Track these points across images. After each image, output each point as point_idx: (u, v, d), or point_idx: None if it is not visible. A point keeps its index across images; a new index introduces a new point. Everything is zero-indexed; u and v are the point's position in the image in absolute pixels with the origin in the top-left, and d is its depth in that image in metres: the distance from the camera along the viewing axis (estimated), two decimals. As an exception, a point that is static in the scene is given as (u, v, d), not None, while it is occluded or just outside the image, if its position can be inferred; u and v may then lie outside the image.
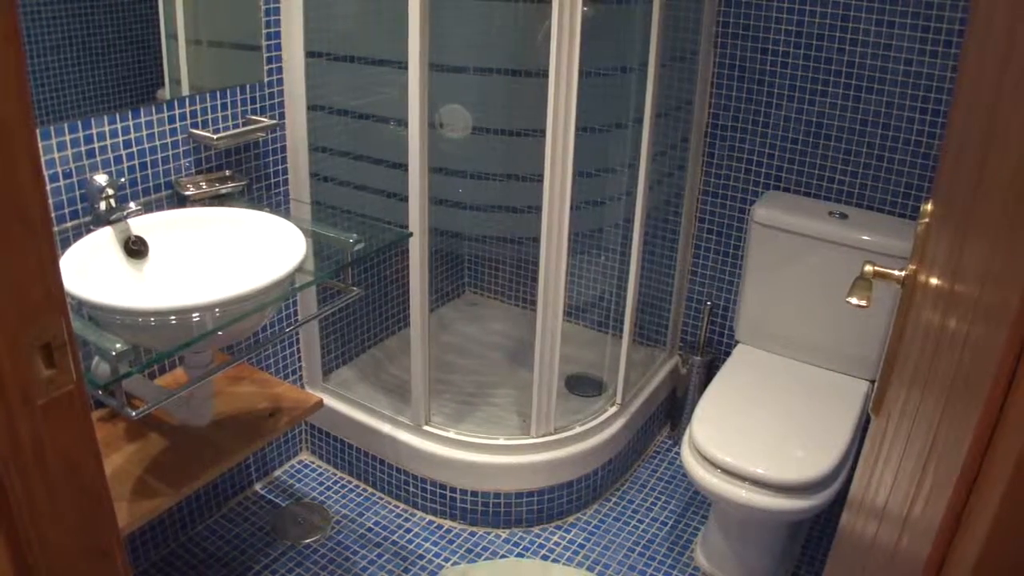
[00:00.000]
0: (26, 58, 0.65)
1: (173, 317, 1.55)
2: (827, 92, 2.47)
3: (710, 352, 2.87)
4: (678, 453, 2.88)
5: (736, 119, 2.64)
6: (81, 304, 1.50)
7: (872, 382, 2.43)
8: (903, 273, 1.25)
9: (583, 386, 2.78)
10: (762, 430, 2.21)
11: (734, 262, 2.78)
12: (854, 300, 1.33)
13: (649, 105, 2.30)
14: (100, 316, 1.53)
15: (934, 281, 1.03)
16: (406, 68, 2.07)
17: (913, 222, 2.26)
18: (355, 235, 1.91)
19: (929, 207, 1.22)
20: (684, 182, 2.74)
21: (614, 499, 2.65)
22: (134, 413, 1.59)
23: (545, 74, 2.01)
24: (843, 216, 2.42)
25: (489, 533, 2.51)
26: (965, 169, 0.95)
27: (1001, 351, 0.59)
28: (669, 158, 2.65)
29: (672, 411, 2.98)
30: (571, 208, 2.16)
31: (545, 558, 2.42)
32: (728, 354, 2.65)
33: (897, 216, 2.46)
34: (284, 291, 1.72)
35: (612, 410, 2.58)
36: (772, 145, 2.60)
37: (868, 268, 1.33)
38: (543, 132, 2.07)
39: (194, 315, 1.56)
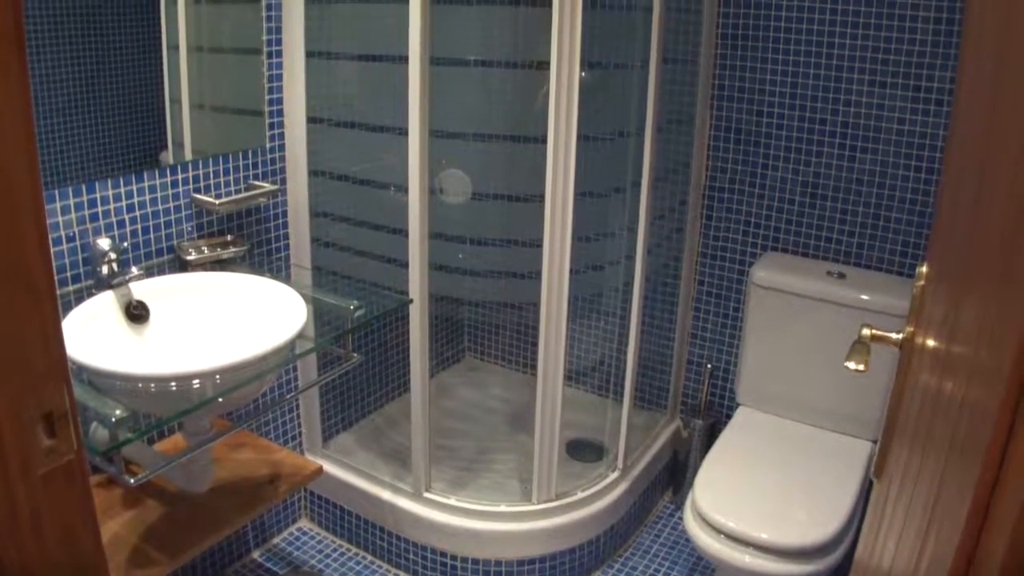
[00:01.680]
0: (35, 129, 0.66)
1: (173, 383, 1.55)
2: (822, 152, 2.50)
3: (711, 415, 2.86)
4: (681, 518, 2.85)
5: (733, 181, 2.66)
6: (81, 369, 1.50)
7: (875, 442, 2.42)
8: (900, 336, 1.26)
9: (584, 451, 2.76)
10: (765, 494, 2.19)
11: (734, 324, 2.79)
12: (852, 365, 1.33)
13: (647, 169, 2.32)
14: (100, 381, 1.52)
15: (931, 343, 1.03)
16: (406, 134, 2.09)
17: (912, 280, 2.27)
18: (356, 301, 1.92)
19: (924, 269, 1.23)
20: (683, 245, 2.76)
21: (617, 565, 2.62)
22: (132, 480, 1.57)
23: (544, 140, 2.03)
24: (841, 276, 2.43)
25: (491, 601, 2.47)
26: (958, 228, 0.96)
27: (996, 412, 0.59)
28: (668, 221, 2.67)
29: (674, 475, 2.96)
30: (570, 273, 2.16)
31: (548, 626, 2.38)
32: (730, 416, 2.64)
33: (896, 274, 2.47)
34: (285, 358, 1.72)
35: (614, 475, 2.56)
36: (769, 206, 2.62)
37: (866, 332, 1.33)
38: (542, 197, 2.08)
39: (194, 382, 1.55)
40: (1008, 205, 0.67)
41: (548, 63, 1.97)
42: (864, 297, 2.34)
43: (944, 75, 2.27)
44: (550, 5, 1.93)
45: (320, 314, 1.95)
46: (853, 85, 2.41)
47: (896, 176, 2.41)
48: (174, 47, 2.01)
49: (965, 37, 1.10)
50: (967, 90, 1.03)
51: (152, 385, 1.54)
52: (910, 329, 1.23)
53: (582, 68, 1.98)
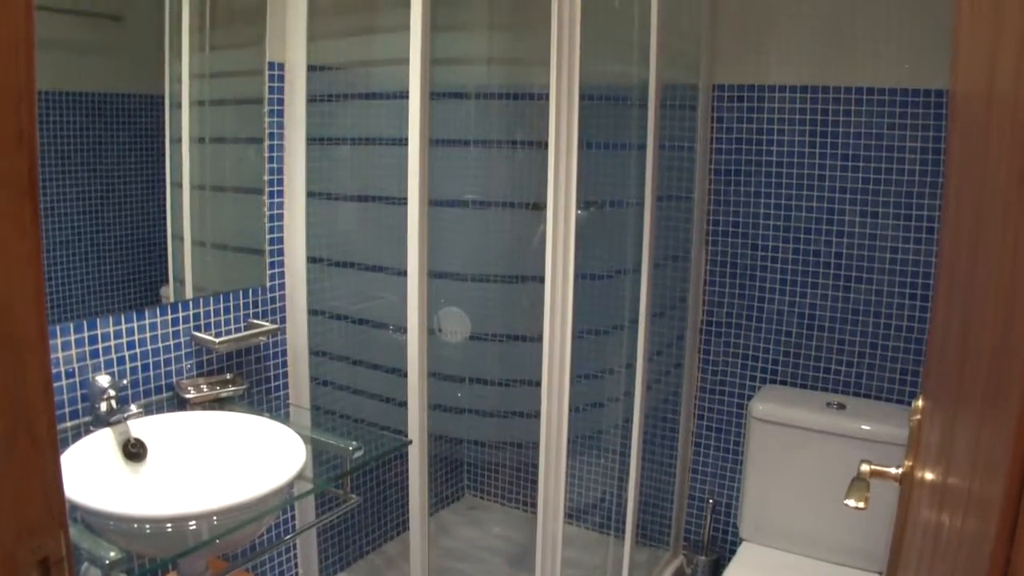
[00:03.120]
0: (44, 276, 0.68)
1: (169, 525, 1.53)
2: (817, 284, 2.53)
3: (715, 551, 2.80)
4: (688, 660, 2.77)
5: (730, 315, 2.69)
6: (75, 508, 1.48)
7: (881, 574, 2.37)
8: (900, 471, 1.25)
9: (587, 590, 2.70)
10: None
11: (735, 458, 2.76)
12: (852, 503, 1.32)
13: (644, 306, 2.34)
14: (94, 521, 1.50)
15: (929, 476, 1.02)
16: (405, 275, 2.12)
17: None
18: (355, 442, 1.91)
19: (920, 403, 1.23)
20: (682, 380, 2.76)
21: None
22: (124, 625, 1.54)
23: (541, 279, 2.06)
24: (841, 406, 2.43)
25: None
26: (950, 358, 0.97)
27: (992, 543, 0.59)
28: (666, 357, 2.68)
29: (680, 614, 2.89)
30: (570, 412, 2.16)
31: None
32: (733, 552, 2.59)
33: (895, 403, 2.47)
34: (283, 499, 1.70)
35: (618, 615, 2.49)
36: (767, 339, 2.64)
37: (864, 468, 1.33)
38: (540, 337, 2.10)
39: (191, 523, 1.53)
40: (994, 341, 0.68)
41: (544, 203, 2.01)
42: (865, 427, 2.33)
43: (933, 203, 2.33)
44: (546, 146, 1.99)
45: (318, 453, 1.94)
46: (845, 216, 2.46)
47: (891, 305, 2.44)
48: (177, 184, 2.05)
49: (945, 203, 1.13)
50: (950, 240, 1.05)
51: (147, 526, 1.52)
52: (909, 463, 1.22)
53: (578, 207, 2.02)
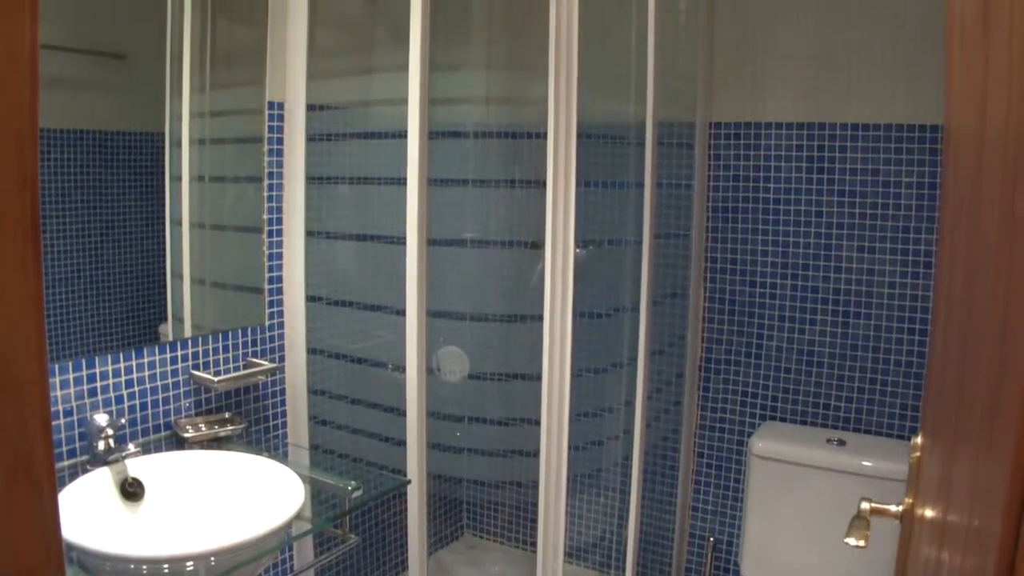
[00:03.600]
0: (45, 319, 0.68)
1: (166, 566, 1.52)
2: (816, 320, 2.54)
3: (717, 590, 2.79)
4: None
5: (729, 352, 2.69)
6: (71, 548, 1.47)
7: (886, 617, 2.35)
8: (900, 508, 1.25)
9: (588, 630, 2.68)
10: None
11: (735, 495, 2.75)
12: (852, 541, 1.32)
13: (643, 343, 2.34)
14: (91, 562, 1.49)
15: (929, 513, 1.02)
16: (403, 314, 2.13)
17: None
18: (353, 482, 1.90)
19: (919, 440, 1.23)
20: (681, 417, 2.75)
21: None
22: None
23: (540, 318, 2.06)
24: (841, 443, 2.42)
25: None
26: (948, 394, 0.97)
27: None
28: (665, 394, 2.68)
29: (681, 654, 2.86)
30: (569, 450, 2.15)
31: None
32: (736, 592, 2.58)
33: (896, 438, 2.46)
34: (281, 540, 1.69)
35: (619, 655, 2.47)
36: (766, 375, 2.64)
37: (865, 506, 1.32)
38: (539, 376, 2.09)
39: (188, 564, 1.52)
40: (989, 377, 0.68)
41: (543, 242, 2.02)
42: (866, 464, 2.32)
43: (930, 238, 2.34)
44: (544, 185, 2.00)
45: (317, 493, 1.93)
46: (843, 252, 2.47)
47: (890, 340, 2.44)
48: (177, 222, 2.06)
49: (940, 239, 1.14)
50: (945, 276, 1.06)
51: (144, 567, 1.51)
52: (909, 501, 1.22)
53: (576, 246, 2.03)
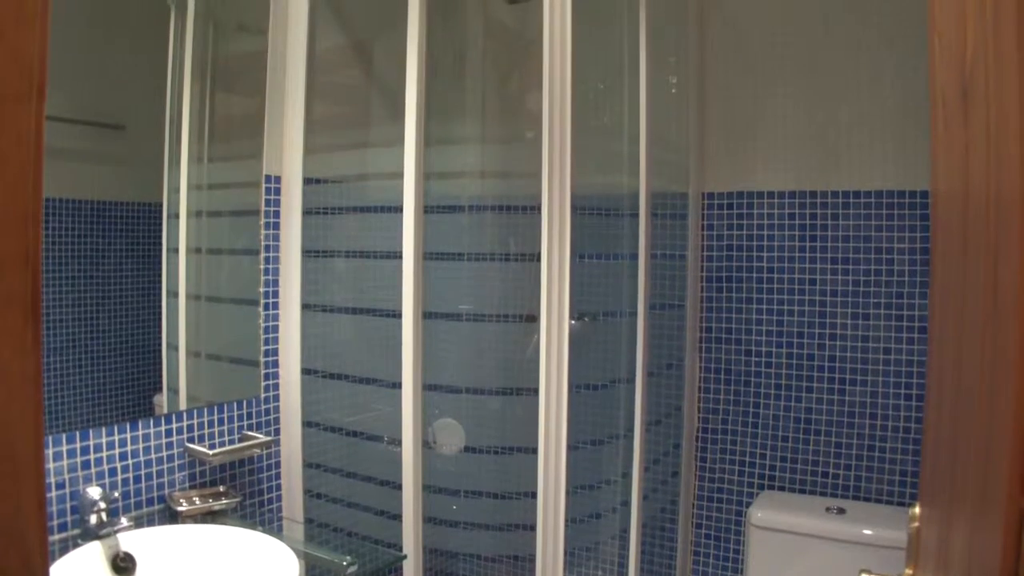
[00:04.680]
0: (43, 398, 0.68)
1: (158, 645, 1.50)
2: (812, 388, 2.53)
3: (718, 665, 2.74)
4: None
5: (726, 421, 2.68)
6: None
7: None
8: (902, 579, 1.24)
9: None
10: None
11: (735, 566, 2.72)
12: (855, 612, 1.30)
13: (639, 415, 2.34)
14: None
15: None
16: (399, 387, 2.12)
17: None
18: (348, 557, 1.88)
19: (917, 510, 1.22)
20: (679, 488, 2.73)
21: None
22: None
23: (536, 391, 2.06)
24: (841, 511, 2.40)
25: None
26: (943, 464, 0.97)
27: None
28: (662, 465, 2.66)
29: None
30: (566, 524, 2.13)
31: None
32: (737, 666, 2.54)
33: (896, 505, 2.44)
34: (274, 614, 1.67)
35: None
36: (763, 444, 2.63)
37: (865, 577, 1.31)
38: (535, 449, 2.09)
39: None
40: (979, 446, 0.68)
41: (538, 315, 2.03)
42: (867, 532, 2.30)
43: (924, 303, 2.35)
44: (539, 259, 2.01)
45: (312, 568, 1.91)
46: (837, 319, 2.48)
47: (887, 406, 2.44)
48: (173, 294, 2.07)
49: (931, 305, 1.15)
50: (937, 343, 1.07)
51: (136, 648, 1.49)
52: (909, 572, 1.21)
53: (571, 318, 2.03)
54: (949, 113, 0.91)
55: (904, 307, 2.39)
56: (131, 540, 1.79)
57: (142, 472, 1.99)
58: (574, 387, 2.07)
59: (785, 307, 2.55)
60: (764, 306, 2.59)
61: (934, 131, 1.03)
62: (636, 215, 2.32)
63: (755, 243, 2.60)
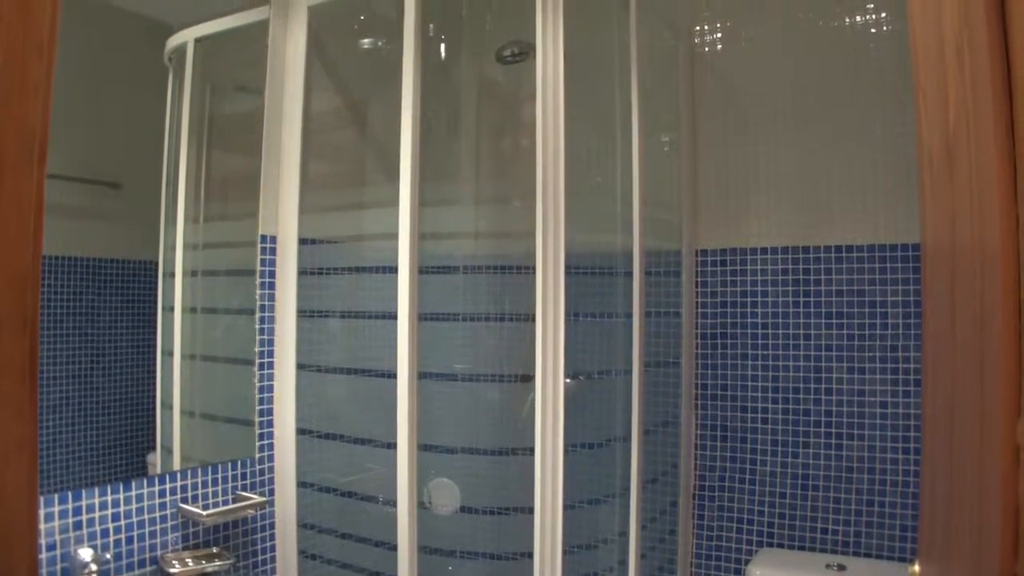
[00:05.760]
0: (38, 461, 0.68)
1: None
2: (809, 443, 2.53)
3: None
4: None
5: (723, 479, 2.66)
6: None
7: None
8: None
9: None
10: None
11: (735, 627, 2.69)
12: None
13: (635, 474, 2.32)
14: None
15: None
16: (394, 447, 2.11)
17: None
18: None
19: (916, 568, 1.22)
20: (676, 547, 2.71)
21: None
22: None
23: (531, 450, 2.05)
24: (841, 567, 2.38)
25: None
26: (939, 522, 0.97)
27: None
28: (660, 524, 2.64)
29: None
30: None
31: None
32: None
33: (897, 561, 2.42)
34: None
35: None
36: (761, 501, 2.61)
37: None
38: (531, 509, 2.07)
39: None
40: (972, 504, 0.69)
41: (533, 375, 2.03)
42: (868, 589, 2.29)
43: (919, 356, 2.35)
44: (533, 319, 2.02)
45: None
46: (832, 374, 2.48)
47: (885, 460, 2.42)
48: (168, 353, 2.06)
49: (924, 358, 1.16)
50: (930, 398, 1.07)
51: None
52: (911, 632, 1.20)
53: (566, 377, 2.03)
54: (935, 172, 0.93)
55: (899, 360, 2.40)
56: (123, 604, 1.77)
57: (134, 533, 1.97)
58: (570, 446, 2.07)
59: (780, 363, 2.56)
60: (759, 362, 2.59)
61: (922, 188, 1.05)
62: (630, 273, 2.34)
63: (749, 299, 2.61)
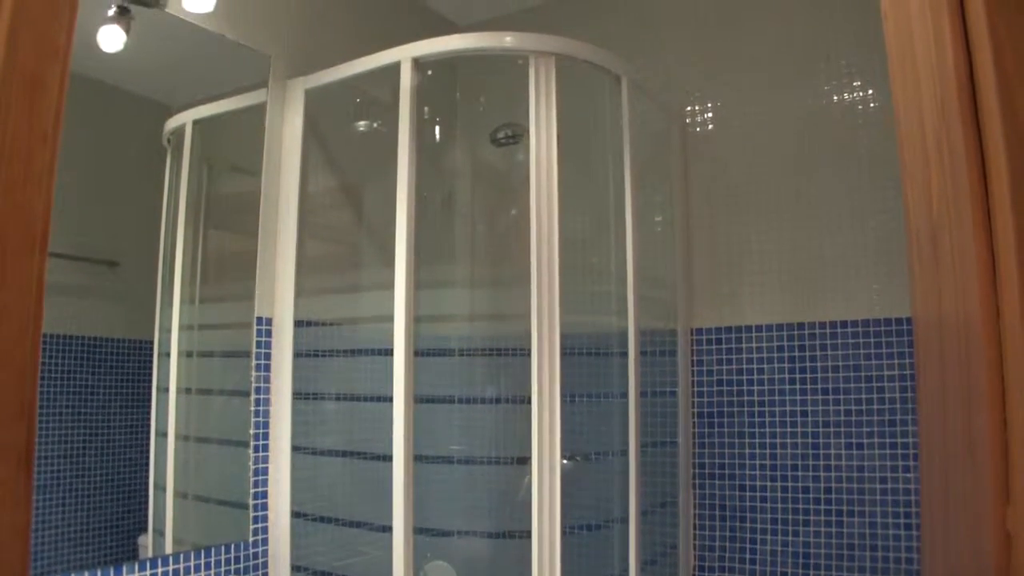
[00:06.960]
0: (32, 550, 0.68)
1: None
2: (809, 521, 2.50)
3: None
4: None
5: (723, 558, 2.63)
6: None
7: None
8: None
9: None
10: None
11: None
12: None
13: (633, 555, 2.30)
14: None
15: None
16: (390, 531, 2.09)
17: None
18: None
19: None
20: (676, 630, 2.67)
21: None
22: None
23: (528, 533, 2.03)
24: (844, 653, 2.35)
25: None
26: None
27: None
28: (659, 606, 2.61)
29: None
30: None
31: None
32: None
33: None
34: None
35: None
36: (761, 584, 2.58)
37: None
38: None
39: None
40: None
41: (529, 457, 2.02)
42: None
43: (918, 430, 2.33)
44: (529, 401, 2.02)
45: None
46: (831, 450, 2.46)
47: (886, 536, 2.39)
48: (162, 434, 2.05)
49: (920, 433, 1.16)
50: (926, 472, 1.07)
51: None
52: None
53: (562, 459, 2.02)
54: (922, 252, 0.94)
55: (898, 434, 2.38)
56: None
57: (124, 620, 1.94)
58: (567, 528, 2.05)
59: (778, 440, 2.54)
60: (757, 440, 2.58)
61: (911, 267, 1.07)
62: (625, 354, 2.34)
63: (745, 377, 2.61)
